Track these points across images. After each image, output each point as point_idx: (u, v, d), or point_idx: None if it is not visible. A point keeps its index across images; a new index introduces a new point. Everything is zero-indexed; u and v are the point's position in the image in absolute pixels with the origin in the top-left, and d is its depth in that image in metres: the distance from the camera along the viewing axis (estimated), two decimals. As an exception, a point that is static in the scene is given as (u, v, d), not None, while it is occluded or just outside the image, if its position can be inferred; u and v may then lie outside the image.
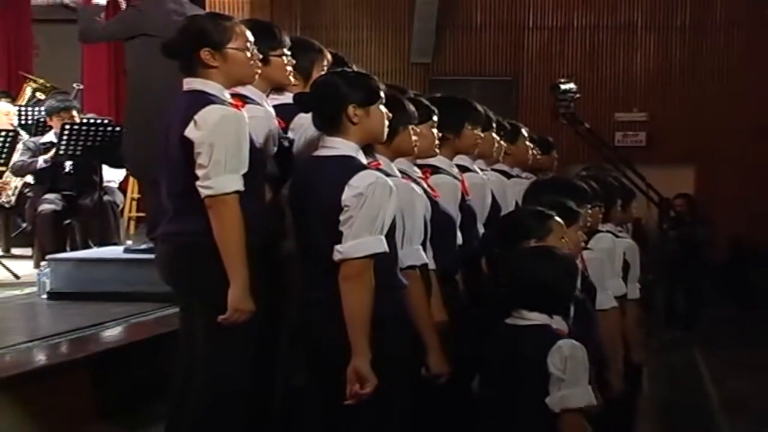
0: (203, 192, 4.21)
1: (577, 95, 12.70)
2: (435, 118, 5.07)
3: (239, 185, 4.22)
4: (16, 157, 9.71)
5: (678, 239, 15.40)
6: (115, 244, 9.14)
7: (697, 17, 16.84)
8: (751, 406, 10.04)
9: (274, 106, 4.74)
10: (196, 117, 4.23)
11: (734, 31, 16.66)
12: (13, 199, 9.99)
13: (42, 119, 10.73)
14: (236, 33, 4.44)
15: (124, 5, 7.71)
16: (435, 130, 5.07)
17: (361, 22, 16.31)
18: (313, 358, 4.32)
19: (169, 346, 4.71)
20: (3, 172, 9.72)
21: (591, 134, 13.19)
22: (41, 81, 12.26)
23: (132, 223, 11.39)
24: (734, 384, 10.90)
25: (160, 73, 6.09)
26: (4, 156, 9.20)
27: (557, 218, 4.87)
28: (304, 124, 4.63)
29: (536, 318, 4.42)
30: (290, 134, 4.71)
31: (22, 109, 11.24)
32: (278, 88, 4.86)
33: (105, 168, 10.04)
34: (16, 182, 9.94)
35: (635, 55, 16.98)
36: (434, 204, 4.86)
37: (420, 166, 4.98)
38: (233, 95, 4.44)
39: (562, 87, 12.92)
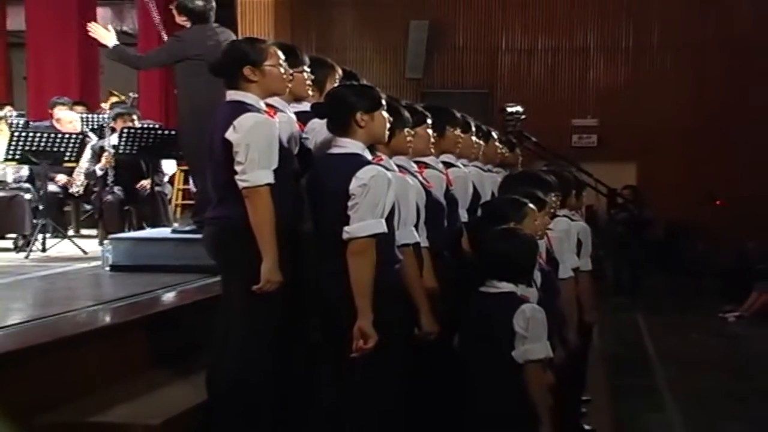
0: (241, 184, 4.22)
1: (523, 116, 12.43)
2: (429, 121, 5.08)
3: (270, 178, 4.23)
4: (85, 159, 9.74)
5: (623, 221, 15.48)
6: (164, 226, 9.13)
7: (638, 41, 16.85)
8: (680, 357, 10.11)
9: (295, 113, 4.73)
10: (234, 122, 4.24)
11: (668, 51, 16.65)
12: (81, 189, 9.99)
13: (103, 124, 10.75)
14: (271, 53, 4.45)
15: (161, 29, 7.73)
16: (430, 131, 5.08)
17: (365, 45, 16.31)
18: (325, 319, 4.32)
19: (210, 309, 4.71)
20: (73, 168, 9.70)
21: (538, 146, 13.04)
22: (122, 96, 12.31)
23: (178, 209, 11.38)
24: (667, 339, 10.99)
25: (203, 88, 6.08)
26: (75, 155, 9.20)
27: (531, 205, 4.89)
28: (316, 128, 4.62)
29: (504, 287, 4.46)
30: (306, 136, 4.71)
31: (85, 116, 11.24)
32: (298, 98, 4.84)
33: (164, 163, 10.11)
34: (83, 177, 9.94)
35: (588, 71, 16.98)
36: (428, 193, 4.87)
37: (416, 162, 4.98)
38: (267, 105, 4.45)
39: (509, 110, 12.50)
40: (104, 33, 7.39)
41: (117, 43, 7.38)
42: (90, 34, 7.55)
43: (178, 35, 7.10)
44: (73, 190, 9.92)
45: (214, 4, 7.16)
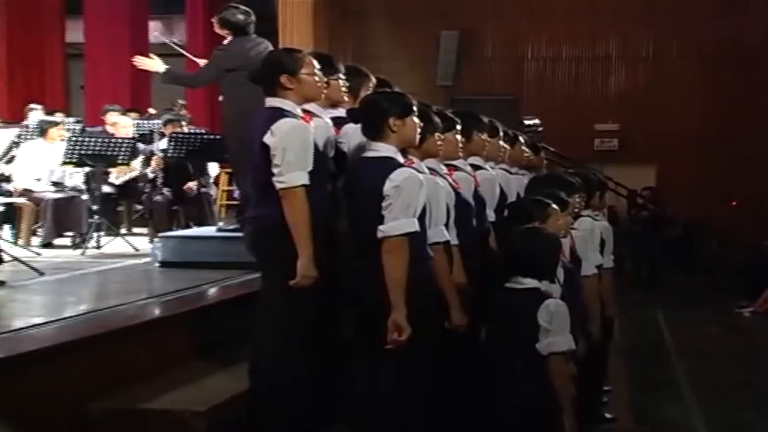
0: (278, 185, 4.22)
1: (540, 128, 12.26)
2: (458, 127, 5.05)
3: (305, 180, 4.23)
4: (138, 162, 9.79)
5: (643, 221, 15.38)
6: (210, 225, 9.16)
7: (657, 50, 16.72)
8: (697, 349, 10.00)
9: (331, 118, 4.72)
10: (272, 127, 4.25)
11: (685, 60, 16.51)
12: (121, 181, 9.97)
13: (153, 129, 10.82)
14: (306, 62, 4.45)
15: (191, 57, 7.75)
16: (459, 136, 5.05)
17: (399, 54, 16.24)
18: (360, 314, 4.30)
19: (252, 303, 4.70)
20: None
21: (557, 156, 12.90)
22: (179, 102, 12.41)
23: (223, 209, 11.42)
24: (684, 333, 10.87)
25: (245, 96, 6.07)
26: (127, 158, 9.27)
27: (554, 205, 4.86)
28: (350, 132, 4.61)
29: (529, 283, 4.41)
30: (342, 140, 4.70)
31: (137, 122, 11.31)
32: (334, 104, 4.83)
33: (210, 165, 10.15)
34: (136, 172, 9.99)
35: (610, 79, 16.88)
36: (457, 194, 4.86)
37: (446, 165, 4.95)
38: (303, 111, 4.44)
39: (527, 122, 12.29)
40: (151, 63, 7.33)
41: (167, 67, 7.34)
42: (138, 66, 7.52)
43: (221, 48, 7.11)
44: (113, 179, 9.87)
45: (253, 17, 7.15)
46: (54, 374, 4.16)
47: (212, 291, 6.09)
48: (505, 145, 6.38)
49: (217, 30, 7.14)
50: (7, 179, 9.27)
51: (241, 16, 7.06)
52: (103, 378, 4.41)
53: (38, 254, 8.04)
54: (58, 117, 11.01)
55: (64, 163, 9.02)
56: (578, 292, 5.34)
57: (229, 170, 10.25)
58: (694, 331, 11.11)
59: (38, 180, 9.29)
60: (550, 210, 4.84)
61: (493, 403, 4.47)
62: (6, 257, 6.49)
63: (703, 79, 16.31)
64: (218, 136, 9.15)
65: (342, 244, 4.45)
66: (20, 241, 8.76)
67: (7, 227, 9.05)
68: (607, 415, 6.91)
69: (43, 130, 9.73)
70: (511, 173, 6.42)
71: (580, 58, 16.89)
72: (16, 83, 14.72)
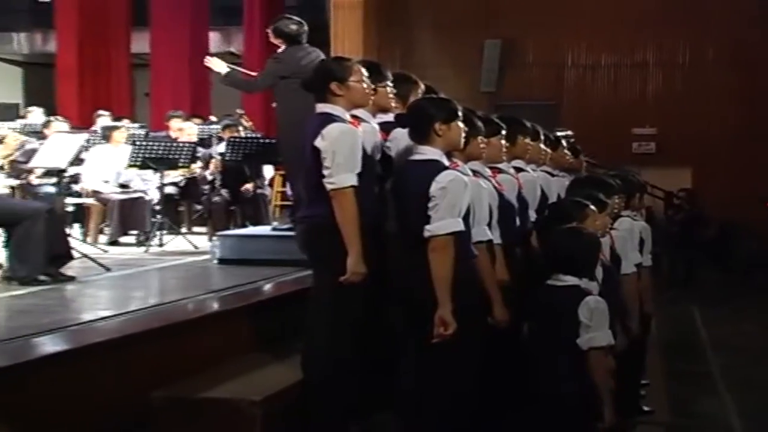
0: (328, 186, 4.22)
1: (572, 139, 12.12)
2: (503, 132, 5.02)
3: (354, 181, 4.22)
4: (197, 165, 9.87)
5: (679, 221, 15.21)
6: (265, 224, 9.20)
7: (693, 57, 16.48)
8: (732, 345, 9.86)
9: (380, 123, 4.70)
10: (323, 132, 4.25)
11: (720, 66, 16.28)
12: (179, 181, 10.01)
13: (213, 134, 10.89)
14: (355, 70, 4.44)
15: (243, 69, 7.77)
16: (503, 141, 5.02)
17: (445, 62, 16.16)
18: (408, 309, 4.27)
19: (303, 298, 4.71)
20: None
21: (592, 165, 12.73)
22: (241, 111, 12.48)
23: (277, 209, 11.44)
24: (720, 329, 10.71)
25: (298, 103, 6.07)
26: (187, 161, 9.35)
27: (592, 206, 4.82)
28: (398, 137, 4.59)
29: (569, 280, 4.37)
30: (388, 144, 4.68)
31: (199, 127, 11.40)
32: (382, 110, 4.82)
33: (265, 168, 10.20)
34: (197, 172, 10.07)
35: (647, 84, 16.68)
36: (500, 195, 4.83)
37: (490, 167, 4.93)
38: (352, 116, 4.44)
39: (559, 134, 12.17)
40: (217, 63, 7.41)
41: (228, 70, 7.41)
42: (206, 64, 7.60)
43: (276, 57, 7.14)
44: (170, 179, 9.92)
45: (306, 27, 7.19)
46: (119, 364, 4.20)
47: (267, 287, 6.11)
48: (547, 149, 6.32)
49: (272, 40, 7.17)
50: (76, 181, 9.37)
51: (294, 27, 7.10)
52: (165, 368, 4.43)
53: (105, 251, 8.13)
54: (125, 123, 11.13)
55: (129, 165, 9.12)
56: (617, 290, 5.28)
57: (282, 172, 10.26)
58: (730, 327, 10.95)
59: (106, 182, 9.39)
60: (588, 211, 4.79)
61: (534, 396, 4.42)
62: (76, 254, 6.56)
63: (738, 84, 16.06)
64: (273, 140, 9.18)
65: (389, 244, 4.43)
66: (88, 239, 8.86)
67: (76, 226, 9.15)
68: (645, 408, 6.83)
69: (106, 134, 9.85)
70: (552, 175, 6.37)
71: (618, 65, 16.71)
72: (86, 91, 14.98)
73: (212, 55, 8.34)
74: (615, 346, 4.55)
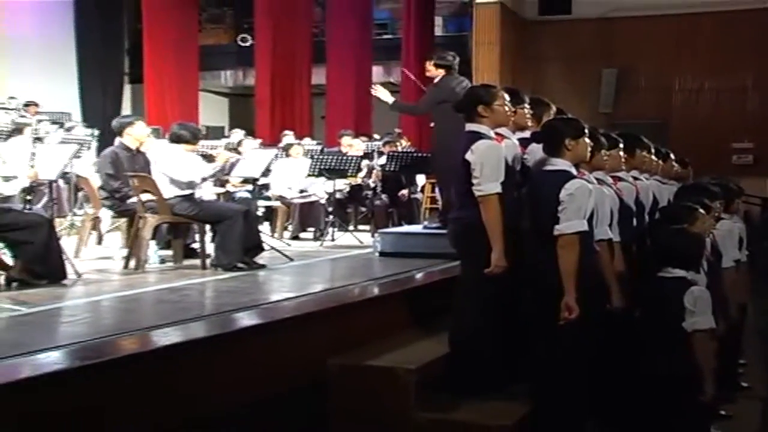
0: (477, 193, 4.19)
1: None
2: (621, 145, 4.89)
3: (498, 189, 4.19)
4: (362, 174, 9.95)
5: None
6: (418, 223, 9.19)
7: (788, 81, 15.71)
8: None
9: (519, 139, 4.63)
10: (472, 147, 4.22)
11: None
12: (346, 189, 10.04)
13: (375, 149, 10.97)
14: (499, 95, 4.41)
15: (412, 77, 7.72)
16: (621, 153, 4.88)
17: (569, 87, 15.86)
18: (538, 296, 4.18)
19: (450, 285, 4.67)
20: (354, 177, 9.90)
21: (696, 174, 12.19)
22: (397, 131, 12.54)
23: (427, 211, 11.43)
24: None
25: (451, 123, 6.00)
26: (354, 171, 9.42)
27: (701, 210, 4.64)
28: (534, 150, 4.50)
29: (677, 272, 4.25)
30: (526, 156, 4.60)
31: (368, 143, 11.49)
32: (521, 128, 4.74)
33: (418, 177, 10.22)
34: (362, 180, 10.15)
35: (746, 105, 15.92)
36: (620, 200, 4.72)
37: (612, 176, 4.81)
38: (496, 133, 4.39)
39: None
40: (383, 93, 7.37)
41: (394, 99, 7.42)
42: (374, 93, 7.58)
43: (436, 84, 7.11)
44: (369, 181, 10.03)
45: (458, 59, 7.18)
46: (301, 336, 4.25)
47: (419, 275, 6.08)
48: (659, 161, 6.13)
49: (429, 70, 7.15)
50: (266, 187, 9.61)
51: (450, 58, 7.11)
52: (337, 340, 4.47)
53: (288, 245, 8.26)
54: (306, 141, 11.34)
55: (309, 175, 9.29)
56: (719, 281, 5.11)
57: (432, 180, 10.25)
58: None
59: (289, 188, 9.59)
60: (698, 214, 4.64)
61: (645, 373, 4.27)
62: (266, 246, 6.72)
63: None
64: (425, 154, 9.17)
65: (524, 240, 4.35)
66: (275, 235, 9.04)
67: (266, 224, 9.37)
68: (744, 384, 6.49)
69: (286, 150, 10.08)
70: (662, 183, 6.17)
71: (719, 89, 16.05)
72: (276, 115, 15.53)
73: (375, 84, 8.36)
74: (716, 330, 4.38)
